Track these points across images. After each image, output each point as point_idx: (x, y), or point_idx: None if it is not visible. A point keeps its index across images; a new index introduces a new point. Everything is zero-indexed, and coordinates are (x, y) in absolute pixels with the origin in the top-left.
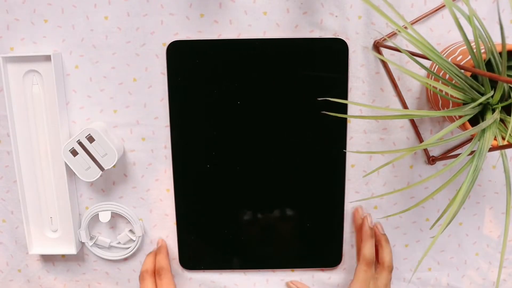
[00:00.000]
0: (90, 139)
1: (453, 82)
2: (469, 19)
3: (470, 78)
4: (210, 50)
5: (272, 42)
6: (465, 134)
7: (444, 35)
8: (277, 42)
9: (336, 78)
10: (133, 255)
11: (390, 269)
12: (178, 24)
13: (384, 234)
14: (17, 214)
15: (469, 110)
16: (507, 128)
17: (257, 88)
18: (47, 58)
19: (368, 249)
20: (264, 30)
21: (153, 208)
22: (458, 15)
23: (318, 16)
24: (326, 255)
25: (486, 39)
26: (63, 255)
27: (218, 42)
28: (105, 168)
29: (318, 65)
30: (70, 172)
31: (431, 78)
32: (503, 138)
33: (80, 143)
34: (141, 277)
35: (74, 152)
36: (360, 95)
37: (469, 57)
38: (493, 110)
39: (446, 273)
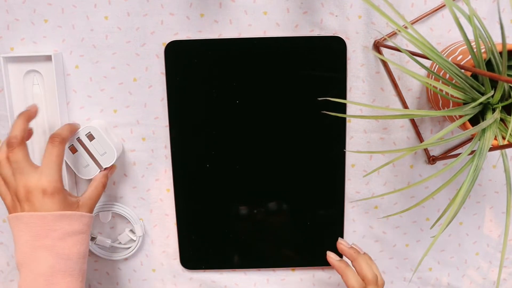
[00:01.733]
0: (90, 137)
1: (454, 81)
2: (469, 19)
3: (471, 77)
4: (208, 50)
5: (270, 40)
6: (466, 134)
7: (444, 34)
8: (275, 40)
9: (334, 75)
10: (133, 255)
11: (383, 284)
12: (178, 24)
13: (366, 253)
14: None
15: (470, 110)
16: (507, 127)
17: (256, 87)
18: (48, 58)
19: (366, 269)
20: (264, 30)
21: (154, 208)
22: (458, 14)
23: (318, 15)
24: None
25: (486, 39)
26: None
27: (216, 42)
28: (104, 167)
29: (316, 63)
30: (70, 172)
31: (431, 78)
32: (504, 138)
33: (80, 141)
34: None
35: (73, 149)
36: (360, 95)
37: (470, 56)
38: (494, 110)
39: (447, 272)
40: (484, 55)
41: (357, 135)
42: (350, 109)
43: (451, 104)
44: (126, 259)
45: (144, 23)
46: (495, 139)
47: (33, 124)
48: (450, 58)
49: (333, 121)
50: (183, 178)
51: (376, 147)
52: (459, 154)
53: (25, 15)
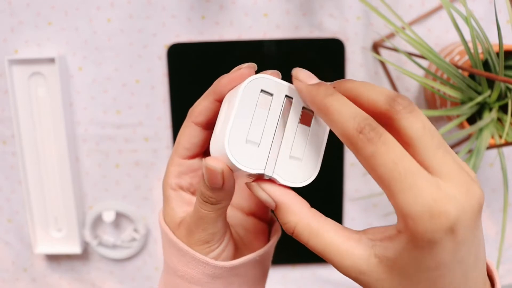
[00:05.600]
0: (306, 117)
1: (451, 82)
2: (467, 20)
3: (468, 78)
4: (209, 51)
5: (271, 42)
6: (463, 133)
7: (442, 35)
8: (275, 42)
9: (334, 76)
10: (137, 254)
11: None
12: (179, 26)
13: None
14: (22, 214)
15: (467, 110)
16: (504, 126)
17: None
18: (51, 60)
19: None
20: (264, 31)
21: (157, 207)
22: (456, 15)
23: (318, 17)
24: None
25: (483, 40)
26: (68, 255)
27: (217, 44)
28: (269, 176)
29: (316, 65)
30: (74, 172)
31: (429, 78)
32: (500, 137)
33: (288, 109)
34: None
35: (264, 101)
36: None
37: (467, 57)
38: (491, 109)
39: None
40: (481, 56)
41: None
42: None
43: (448, 104)
44: (129, 258)
45: (146, 25)
46: (492, 138)
47: (37, 125)
48: (447, 59)
49: None
50: None
51: None
52: (457, 153)
53: (29, 18)
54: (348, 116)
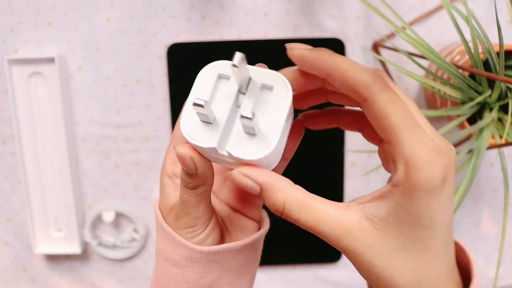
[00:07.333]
0: (265, 96)
1: (451, 81)
2: (467, 20)
3: (468, 77)
4: (209, 51)
5: (271, 42)
6: (463, 133)
7: (442, 35)
8: (275, 42)
9: None
10: (136, 254)
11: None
12: (179, 26)
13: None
14: (22, 214)
15: (467, 110)
16: (504, 126)
17: None
18: (51, 60)
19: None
20: (264, 31)
21: None
22: (456, 15)
23: (318, 17)
24: (326, 251)
25: (484, 39)
26: (67, 255)
27: (217, 43)
28: (223, 151)
29: None
30: (74, 172)
31: (429, 78)
32: (501, 137)
33: (246, 89)
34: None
35: (222, 84)
36: None
37: (467, 57)
38: (491, 109)
39: None
40: (481, 56)
41: (356, 134)
42: None
43: (449, 104)
44: (129, 258)
45: (146, 25)
46: (493, 138)
47: (37, 125)
48: (448, 59)
49: None
50: None
51: (375, 146)
52: (457, 153)
53: (29, 18)
54: (359, 69)
